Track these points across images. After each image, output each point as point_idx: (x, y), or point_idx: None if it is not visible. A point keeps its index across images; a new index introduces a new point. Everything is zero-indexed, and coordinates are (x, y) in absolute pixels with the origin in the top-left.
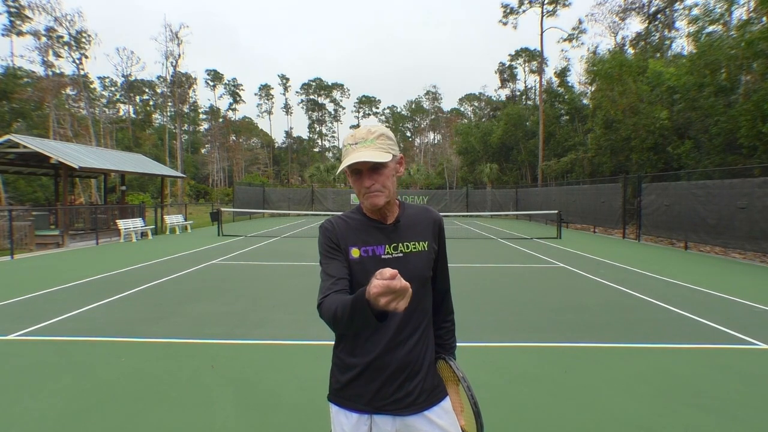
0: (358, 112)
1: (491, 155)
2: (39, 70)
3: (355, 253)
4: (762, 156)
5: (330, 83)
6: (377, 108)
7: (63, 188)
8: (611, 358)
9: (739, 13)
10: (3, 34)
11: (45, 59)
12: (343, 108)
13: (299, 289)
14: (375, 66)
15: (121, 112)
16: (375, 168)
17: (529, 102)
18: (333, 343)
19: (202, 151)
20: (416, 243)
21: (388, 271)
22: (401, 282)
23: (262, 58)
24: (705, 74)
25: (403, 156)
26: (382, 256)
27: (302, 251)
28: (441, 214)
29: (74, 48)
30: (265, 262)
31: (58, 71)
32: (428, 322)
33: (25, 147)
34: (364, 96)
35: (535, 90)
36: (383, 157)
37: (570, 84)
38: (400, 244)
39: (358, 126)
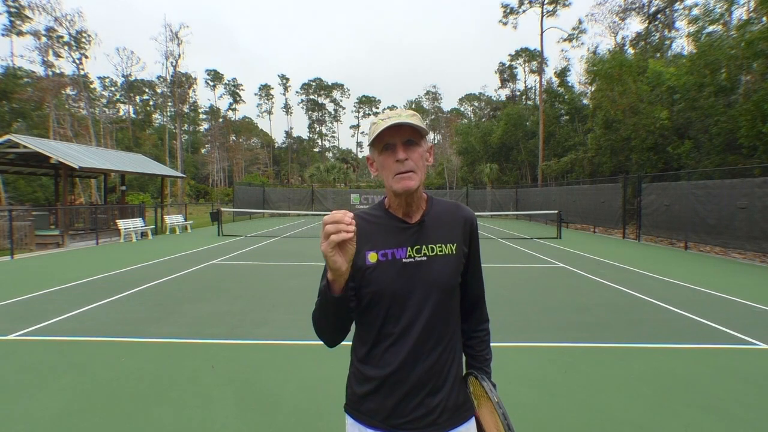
0: (358, 112)
1: (491, 155)
2: (39, 70)
3: (372, 257)
4: (762, 156)
5: (330, 83)
6: (377, 108)
7: (63, 188)
8: (611, 358)
9: (739, 13)
10: (3, 34)
11: (45, 59)
12: (343, 108)
13: (299, 289)
14: (375, 66)
15: (121, 112)
16: (410, 142)
17: (529, 102)
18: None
19: (202, 151)
20: (443, 245)
21: None
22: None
23: (262, 58)
24: (705, 74)
25: (432, 145)
26: (403, 260)
27: (302, 251)
28: None
29: (74, 48)
30: (265, 262)
31: (58, 71)
32: (454, 333)
33: (25, 147)
34: (364, 96)
35: (535, 90)
36: (421, 125)
37: (570, 84)
38: (424, 246)
39: (358, 126)
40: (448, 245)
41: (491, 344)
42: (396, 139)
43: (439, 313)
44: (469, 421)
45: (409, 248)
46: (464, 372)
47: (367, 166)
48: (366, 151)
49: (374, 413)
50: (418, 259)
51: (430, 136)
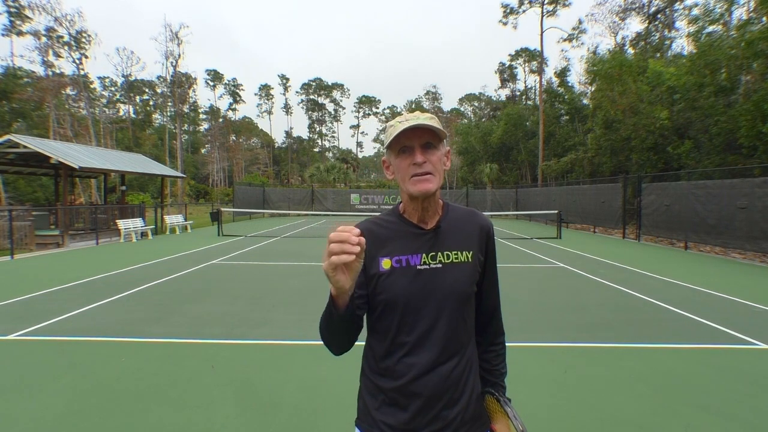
0: (358, 112)
1: (491, 155)
2: (39, 70)
3: (386, 264)
4: (762, 156)
5: (330, 83)
6: (377, 108)
7: (63, 188)
8: (611, 358)
9: (739, 13)
10: (3, 34)
11: (45, 59)
12: (343, 108)
13: (299, 289)
14: (375, 66)
15: (121, 112)
16: (428, 145)
17: (529, 102)
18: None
19: (202, 151)
20: (458, 252)
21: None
22: (351, 231)
23: (263, 58)
24: (705, 74)
25: (449, 149)
26: (418, 267)
27: (302, 251)
28: None
29: (74, 48)
30: (265, 262)
31: (58, 71)
32: (470, 343)
33: (25, 147)
34: (364, 96)
35: (535, 90)
36: (440, 127)
37: (570, 84)
38: (440, 253)
39: (358, 126)
40: (464, 253)
41: None
42: (414, 141)
43: (455, 323)
44: None
45: (424, 255)
46: (480, 385)
47: (367, 167)
48: (366, 152)
49: (388, 427)
50: (434, 266)
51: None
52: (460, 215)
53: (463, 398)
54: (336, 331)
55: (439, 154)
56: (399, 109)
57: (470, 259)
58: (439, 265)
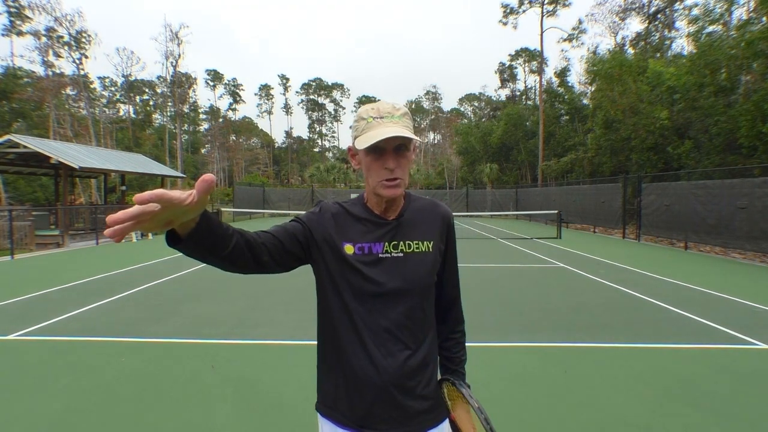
0: None
1: (491, 155)
2: (39, 70)
3: (348, 249)
4: (762, 156)
5: (330, 83)
6: None
7: (63, 188)
8: (611, 358)
9: (739, 13)
10: (3, 34)
11: (45, 59)
12: (343, 108)
13: (299, 289)
14: (375, 66)
15: (121, 112)
16: (401, 148)
17: (529, 102)
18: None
19: (202, 151)
20: (419, 242)
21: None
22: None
23: (262, 58)
24: (705, 74)
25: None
26: (380, 255)
27: None
28: None
29: (74, 48)
30: None
31: (58, 71)
32: (429, 332)
33: (25, 147)
34: (364, 96)
35: (535, 90)
36: (411, 128)
37: (570, 84)
38: (402, 243)
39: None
40: (425, 242)
41: (492, 343)
42: (387, 143)
43: (413, 311)
44: (443, 423)
45: (386, 243)
46: (439, 374)
47: None
48: None
49: (346, 413)
50: (395, 254)
51: (430, 136)
52: (421, 206)
53: (419, 388)
54: (203, 259)
55: (408, 155)
56: None
57: (431, 249)
58: (401, 254)
